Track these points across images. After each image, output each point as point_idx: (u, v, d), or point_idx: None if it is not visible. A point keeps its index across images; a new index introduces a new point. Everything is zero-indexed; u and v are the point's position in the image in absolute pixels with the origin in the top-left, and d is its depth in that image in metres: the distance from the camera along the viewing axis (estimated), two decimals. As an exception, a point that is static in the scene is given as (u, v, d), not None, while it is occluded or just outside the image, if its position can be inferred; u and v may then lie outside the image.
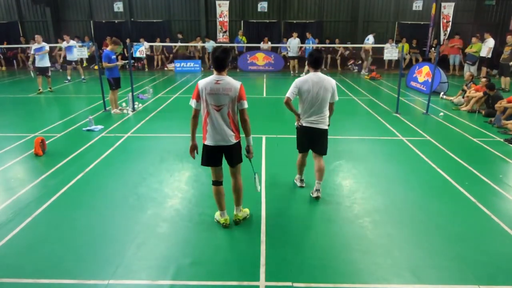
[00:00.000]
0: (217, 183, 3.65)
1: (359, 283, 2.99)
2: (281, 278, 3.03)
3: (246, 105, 3.45)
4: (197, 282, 3.00)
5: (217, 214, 3.84)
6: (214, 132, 3.43)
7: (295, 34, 14.60)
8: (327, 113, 4.27)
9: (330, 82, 4.17)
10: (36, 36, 11.09)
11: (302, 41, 16.65)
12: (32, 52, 11.24)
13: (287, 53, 15.44)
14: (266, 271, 3.10)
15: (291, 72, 15.09)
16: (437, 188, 4.72)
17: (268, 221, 3.88)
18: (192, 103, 3.44)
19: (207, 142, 3.48)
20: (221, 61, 3.33)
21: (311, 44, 14.38)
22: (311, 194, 4.48)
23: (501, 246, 3.50)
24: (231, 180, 3.73)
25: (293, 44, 14.70)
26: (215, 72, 3.39)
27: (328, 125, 4.37)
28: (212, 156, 3.53)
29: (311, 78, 4.15)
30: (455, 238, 3.61)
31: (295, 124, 4.45)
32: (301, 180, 4.78)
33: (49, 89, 11.24)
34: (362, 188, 4.72)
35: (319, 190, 4.42)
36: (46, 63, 11.00)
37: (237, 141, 3.54)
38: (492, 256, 3.33)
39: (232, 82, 3.37)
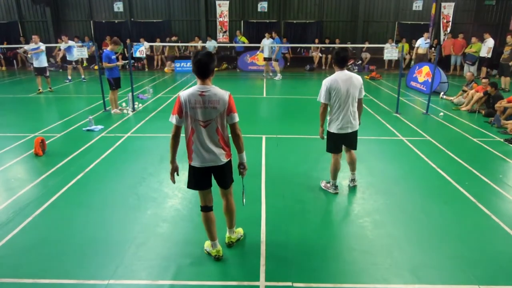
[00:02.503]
0: (207, 208, 3.19)
1: (359, 283, 2.99)
2: (281, 278, 3.03)
3: (237, 118, 3.00)
4: (197, 282, 3.00)
5: (207, 244, 3.35)
6: (202, 152, 2.99)
7: (267, 35, 13.89)
8: (356, 112, 4.33)
9: (358, 78, 4.24)
10: (33, 36, 11.09)
11: (303, 41, 16.66)
12: (27, 49, 11.28)
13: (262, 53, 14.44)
14: (266, 271, 3.10)
15: (270, 73, 14.51)
16: (437, 188, 4.72)
17: (268, 221, 3.88)
18: (173, 119, 2.97)
19: (194, 164, 3.05)
20: (204, 65, 2.85)
21: (276, 44, 13.68)
22: (349, 183, 4.79)
23: (501, 246, 3.50)
24: (222, 201, 3.33)
25: (266, 45, 13.81)
26: (198, 81, 2.92)
27: (359, 124, 4.46)
28: (200, 179, 3.10)
29: (339, 76, 4.17)
30: (455, 238, 3.61)
31: (319, 135, 4.53)
32: (336, 186, 4.57)
33: (49, 89, 11.25)
34: (362, 188, 4.71)
35: (354, 179, 4.77)
36: (44, 63, 11.03)
37: (228, 159, 3.12)
38: (492, 256, 3.33)
39: (219, 93, 2.91)
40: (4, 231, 3.67)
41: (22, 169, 5.38)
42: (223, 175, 3.15)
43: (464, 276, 3.06)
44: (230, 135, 3.12)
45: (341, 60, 4.21)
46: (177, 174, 3.16)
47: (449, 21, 16.77)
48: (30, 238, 3.59)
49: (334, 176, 4.53)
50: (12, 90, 11.89)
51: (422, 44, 14.19)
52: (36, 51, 10.80)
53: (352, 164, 4.65)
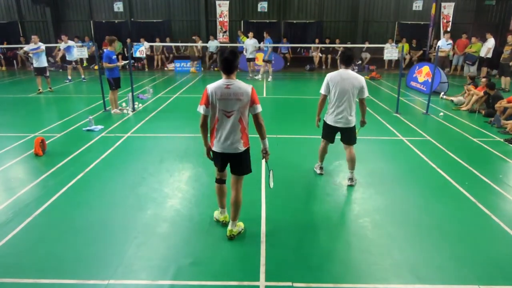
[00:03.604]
0: (221, 181, 3.66)
1: (359, 283, 2.99)
2: (281, 278, 3.03)
3: (260, 108, 3.30)
4: (197, 282, 3.00)
5: (216, 213, 3.85)
6: (223, 139, 3.31)
7: (250, 35, 13.59)
8: (354, 111, 4.57)
9: (359, 79, 4.46)
10: (32, 36, 11.06)
11: (304, 41, 16.54)
12: (27, 50, 11.28)
13: (246, 53, 13.92)
14: (266, 271, 3.10)
15: (250, 74, 14.26)
16: (437, 188, 4.72)
17: (268, 221, 3.88)
18: (201, 109, 3.27)
19: (215, 149, 3.40)
20: (230, 63, 3.19)
21: (269, 44, 13.27)
22: (347, 182, 4.81)
23: (501, 246, 3.50)
24: (231, 192, 3.53)
25: (249, 45, 13.48)
26: (223, 76, 3.24)
27: (365, 123, 4.83)
28: (219, 162, 3.49)
29: (340, 74, 4.46)
30: (455, 238, 3.61)
31: (316, 123, 4.88)
32: (321, 168, 5.05)
33: (49, 89, 11.25)
34: (362, 188, 4.71)
35: (351, 178, 4.76)
36: (44, 63, 11.03)
37: (246, 148, 3.40)
38: (492, 256, 3.33)
39: (243, 86, 3.21)
40: (4, 231, 3.67)
41: (22, 169, 5.38)
42: (240, 162, 3.43)
43: (464, 276, 3.06)
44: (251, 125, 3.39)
45: (346, 59, 4.53)
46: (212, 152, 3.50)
47: (449, 21, 16.78)
48: (30, 238, 3.59)
49: (321, 159, 5.02)
50: (12, 90, 11.89)
51: (443, 45, 13.41)
52: (36, 50, 10.79)
53: (351, 162, 4.69)
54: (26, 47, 11.33)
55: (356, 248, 3.44)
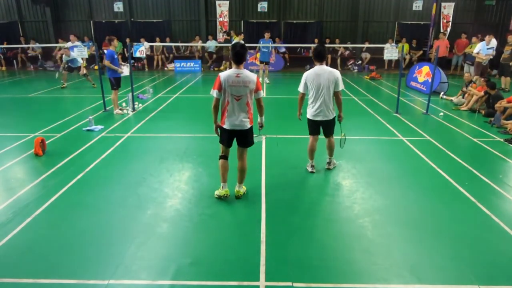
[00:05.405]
0: (225, 157, 4.21)
1: (359, 283, 2.99)
2: (281, 278, 3.03)
3: (262, 94, 4.04)
4: (197, 282, 3.00)
5: (217, 192, 4.26)
6: (232, 118, 3.96)
7: (240, 37, 13.18)
8: (331, 104, 4.82)
9: (333, 73, 4.69)
10: (64, 49, 12.02)
11: (303, 41, 16.48)
12: (64, 60, 12.06)
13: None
14: (266, 271, 3.10)
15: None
16: (437, 188, 4.72)
17: (268, 221, 3.88)
18: (214, 93, 3.92)
19: (226, 126, 4.03)
20: (241, 55, 3.81)
21: (269, 44, 12.70)
22: (326, 166, 5.27)
23: (501, 246, 3.50)
24: (238, 162, 4.22)
25: None
26: (234, 66, 3.86)
27: (341, 116, 4.99)
28: (227, 138, 4.09)
29: (315, 70, 4.70)
30: (455, 238, 3.61)
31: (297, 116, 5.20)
32: (312, 166, 5.14)
33: (84, 75, 12.33)
34: (362, 188, 4.71)
35: (330, 162, 5.24)
36: (77, 64, 12.09)
37: (251, 125, 4.10)
38: (492, 256, 3.33)
39: (250, 76, 3.87)
40: (4, 231, 3.67)
41: (22, 169, 5.38)
42: (246, 137, 4.11)
43: (464, 276, 3.06)
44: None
45: (317, 55, 4.70)
46: (220, 130, 4.14)
47: (449, 21, 16.77)
48: (30, 238, 3.58)
49: (310, 157, 5.12)
50: (12, 90, 11.89)
51: (483, 50, 11.37)
52: (77, 64, 11.92)
53: (330, 149, 5.14)
54: (64, 59, 11.99)
55: (356, 248, 3.44)
